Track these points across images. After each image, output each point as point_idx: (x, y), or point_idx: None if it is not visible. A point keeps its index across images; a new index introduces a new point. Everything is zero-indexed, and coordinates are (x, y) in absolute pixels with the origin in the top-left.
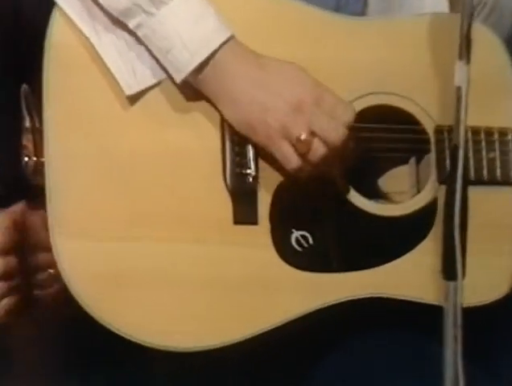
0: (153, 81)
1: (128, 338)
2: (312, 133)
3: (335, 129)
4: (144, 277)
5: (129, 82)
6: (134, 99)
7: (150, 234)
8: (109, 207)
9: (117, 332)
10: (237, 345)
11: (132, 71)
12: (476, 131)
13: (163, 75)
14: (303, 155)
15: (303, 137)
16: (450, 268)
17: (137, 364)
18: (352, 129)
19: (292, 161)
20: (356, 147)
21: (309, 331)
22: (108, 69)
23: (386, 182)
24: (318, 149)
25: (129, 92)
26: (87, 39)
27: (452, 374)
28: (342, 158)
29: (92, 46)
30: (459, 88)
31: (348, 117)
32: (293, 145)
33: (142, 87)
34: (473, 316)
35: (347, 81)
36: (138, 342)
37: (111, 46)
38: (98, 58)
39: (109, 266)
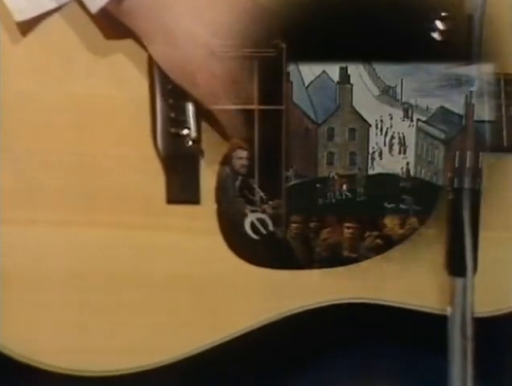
0: (52, 5)
1: (13, 356)
2: None
3: None
4: (39, 273)
5: (19, 3)
6: (26, 28)
7: (48, 216)
8: None
9: None
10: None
11: None
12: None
13: None
14: None
15: None
16: (457, 262)
17: None
18: None
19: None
20: None
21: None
22: None
23: None
24: None
25: (19, 17)
26: None
27: None
28: None
29: None
30: (470, 18)
31: None
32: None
33: (38, 12)
34: None
35: None
36: (26, 361)
37: None
38: None
39: None
